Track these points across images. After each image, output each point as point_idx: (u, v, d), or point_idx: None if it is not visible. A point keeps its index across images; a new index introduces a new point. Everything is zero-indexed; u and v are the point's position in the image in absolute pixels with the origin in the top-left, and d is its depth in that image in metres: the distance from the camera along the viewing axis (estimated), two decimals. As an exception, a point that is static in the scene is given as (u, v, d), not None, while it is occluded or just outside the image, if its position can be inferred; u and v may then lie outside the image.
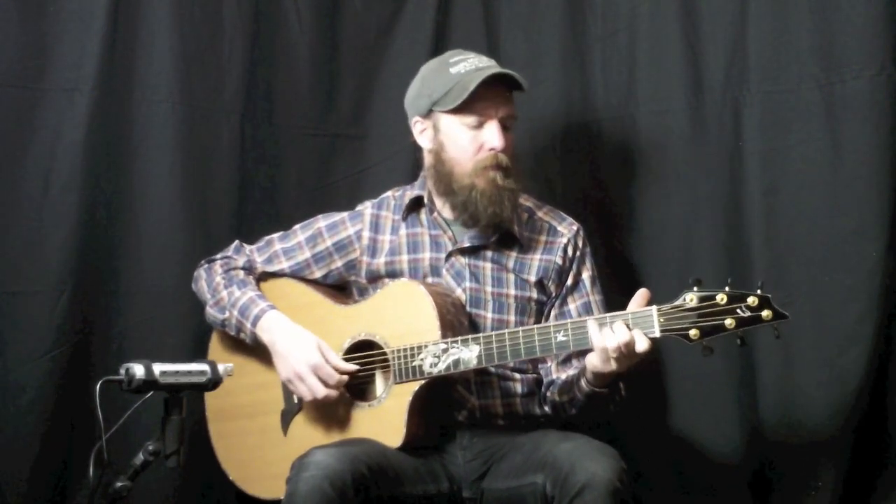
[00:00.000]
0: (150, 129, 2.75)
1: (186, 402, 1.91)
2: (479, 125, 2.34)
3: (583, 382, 2.22)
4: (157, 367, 1.87)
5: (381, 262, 2.43)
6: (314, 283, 2.49)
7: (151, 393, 1.88)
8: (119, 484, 1.86)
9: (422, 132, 2.42)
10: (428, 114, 2.39)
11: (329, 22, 2.99)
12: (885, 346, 2.44)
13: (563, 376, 2.34)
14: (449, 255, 2.40)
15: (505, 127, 2.35)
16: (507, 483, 2.24)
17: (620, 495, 2.03)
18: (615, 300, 2.49)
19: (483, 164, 2.33)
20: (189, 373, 1.91)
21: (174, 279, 2.73)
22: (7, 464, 2.58)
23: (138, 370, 1.85)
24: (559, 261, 2.41)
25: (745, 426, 2.59)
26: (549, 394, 2.37)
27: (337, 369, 2.30)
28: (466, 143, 2.34)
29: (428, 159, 2.43)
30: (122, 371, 1.86)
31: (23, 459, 2.59)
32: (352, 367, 2.32)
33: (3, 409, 2.59)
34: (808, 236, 2.50)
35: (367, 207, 2.50)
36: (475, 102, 2.31)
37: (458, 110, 2.33)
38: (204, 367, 1.93)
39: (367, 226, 2.46)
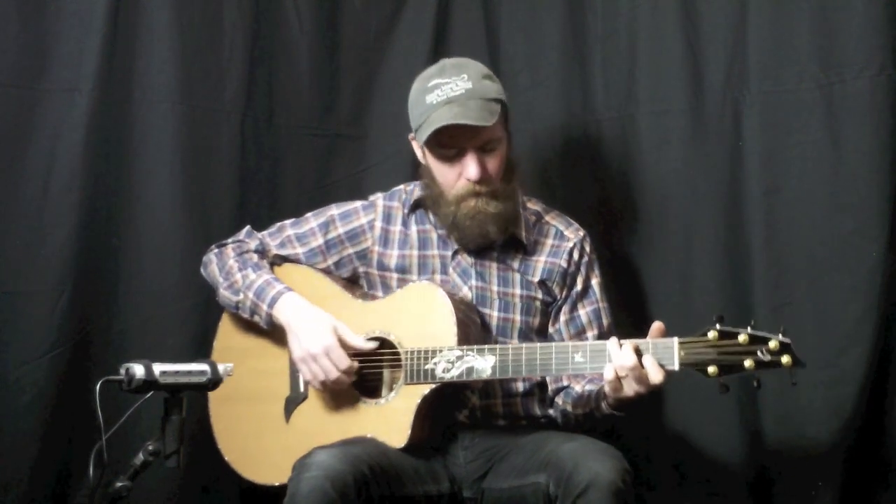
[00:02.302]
0: (150, 129, 2.75)
1: (186, 402, 1.91)
2: (457, 155, 2.32)
3: (603, 405, 2.23)
4: (157, 367, 1.87)
5: (392, 253, 2.43)
6: (328, 273, 2.47)
7: (151, 393, 1.88)
8: (119, 484, 1.85)
9: (416, 148, 2.43)
10: (416, 136, 2.38)
11: (329, 22, 2.99)
12: (885, 346, 2.44)
13: (578, 388, 2.34)
14: (455, 253, 2.40)
15: (486, 150, 2.32)
16: (509, 482, 2.24)
17: (623, 496, 2.03)
18: (615, 301, 2.50)
19: (461, 194, 2.32)
20: (189, 373, 1.90)
21: (174, 279, 2.73)
22: (7, 464, 2.58)
23: (138, 370, 1.85)
24: (564, 264, 2.42)
25: (746, 426, 2.59)
26: (559, 401, 2.37)
27: (353, 347, 2.29)
28: (446, 173, 2.34)
29: (423, 172, 2.43)
30: (122, 371, 1.86)
31: (23, 459, 2.59)
32: (369, 345, 2.30)
33: (3, 409, 2.59)
34: (808, 236, 2.50)
35: (379, 198, 2.51)
36: (444, 137, 2.29)
37: (432, 144, 2.31)
38: (204, 367, 1.93)
39: (379, 216, 2.47)
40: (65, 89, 2.65)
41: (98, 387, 1.85)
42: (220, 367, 1.94)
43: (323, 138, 3.00)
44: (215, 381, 1.94)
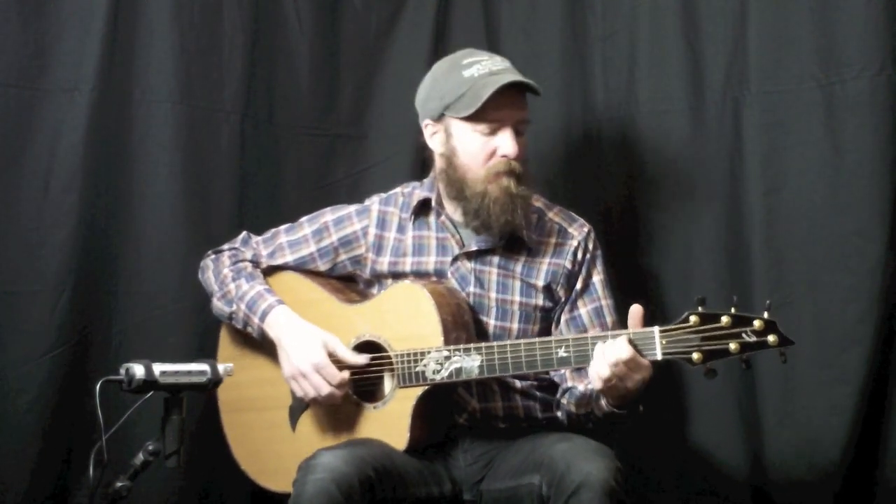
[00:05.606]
0: (150, 129, 2.75)
1: (186, 402, 1.91)
2: (493, 131, 2.29)
3: (602, 402, 2.19)
4: (157, 367, 1.87)
5: (385, 261, 2.41)
6: (320, 276, 2.46)
7: (151, 393, 1.88)
8: (119, 484, 1.86)
9: (433, 135, 2.38)
10: (439, 118, 2.34)
11: (329, 22, 3.00)
12: (885, 346, 2.44)
13: (581, 387, 2.30)
14: (455, 259, 2.37)
15: (518, 132, 2.30)
16: (506, 483, 2.24)
17: (616, 495, 2.02)
18: (616, 301, 2.49)
19: (495, 171, 2.28)
20: (189, 373, 1.91)
21: (174, 279, 2.73)
22: (7, 464, 2.58)
23: (138, 370, 1.85)
24: (568, 265, 2.38)
25: (746, 427, 2.59)
26: (564, 401, 2.34)
27: (345, 362, 2.28)
28: (479, 150, 2.30)
29: (439, 163, 2.38)
30: (122, 371, 1.86)
31: (23, 459, 2.59)
32: (362, 359, 2.29)
33: (3, 409, 2.59)
34: (808, 236, 2.50)
35: (374, 203, 2.47)
36: (488, 109, 2.25)
37: (471, 118, 2.27)
38: (204, 367, 1.93)
39: (373, 222, 2.44)
40: (65, 89, 2.64)
41: (98, 387, 1.86)
42: (220, 367, 1.95)
43: (323, 138, 2.99)
44: (215, 381, 1.94)
